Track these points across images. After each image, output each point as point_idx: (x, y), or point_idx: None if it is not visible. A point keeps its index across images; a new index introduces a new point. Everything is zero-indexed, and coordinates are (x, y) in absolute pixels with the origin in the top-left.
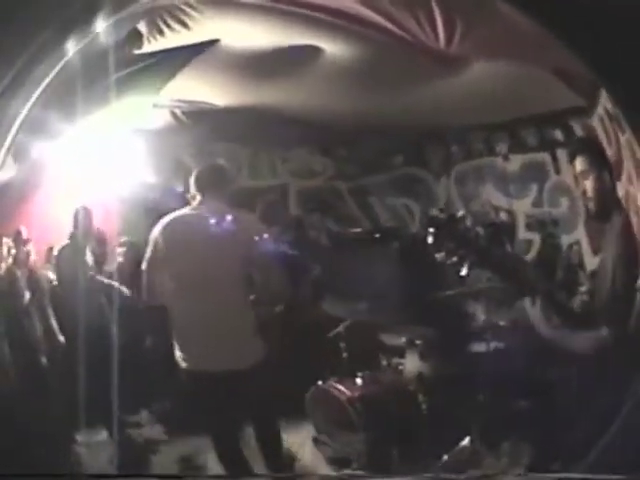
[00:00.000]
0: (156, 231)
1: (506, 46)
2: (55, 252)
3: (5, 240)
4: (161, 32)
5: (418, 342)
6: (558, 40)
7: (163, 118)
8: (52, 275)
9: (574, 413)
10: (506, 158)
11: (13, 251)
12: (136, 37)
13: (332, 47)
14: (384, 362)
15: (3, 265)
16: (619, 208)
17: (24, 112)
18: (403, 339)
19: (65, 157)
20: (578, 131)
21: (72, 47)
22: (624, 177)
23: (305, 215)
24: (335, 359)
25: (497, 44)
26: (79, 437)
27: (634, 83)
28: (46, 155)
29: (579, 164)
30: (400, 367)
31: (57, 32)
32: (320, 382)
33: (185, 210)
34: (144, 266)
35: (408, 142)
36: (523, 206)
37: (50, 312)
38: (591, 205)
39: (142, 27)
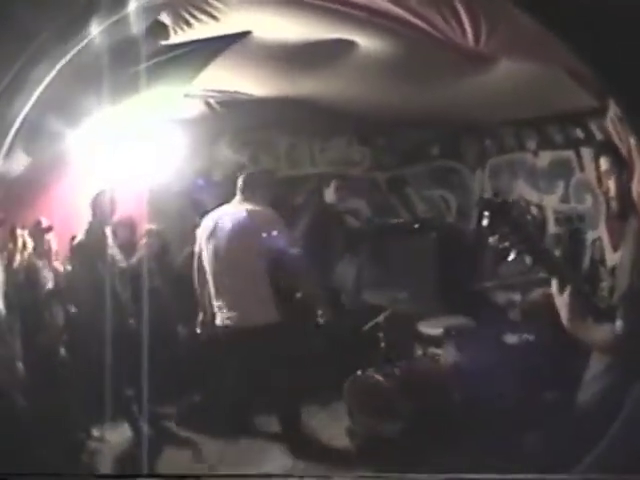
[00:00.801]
0: (206, 225)
1: (526, 46)
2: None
3: (20, 232)
4: (188, 23)
5: (454, 333)
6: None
7: (197, 107)
8: (71, 265)
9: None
10: (536, 154)
11: (31, 242)
12: (160, 28)
13: (364, 41)
14: (420, 352)
15: (18, 257)
16: (634, 208)
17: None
18: (440, 330)
19: (90, 146)
20: (596, 131)
21: (96, 32)
22: (635, 179)
23: (343, 205)
24: (374, 349)
25: (518, 44)
26: (98, 432)
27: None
28: (70, 144)
29: (603, 163)
30: (437, 357)
31: (79, 17)
32: (359, 372)
33: (228, 207)
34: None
35: (444, 134)
36: (552, 201)
37: (70, 304)
38: (613, 204)
39: (165, 18)
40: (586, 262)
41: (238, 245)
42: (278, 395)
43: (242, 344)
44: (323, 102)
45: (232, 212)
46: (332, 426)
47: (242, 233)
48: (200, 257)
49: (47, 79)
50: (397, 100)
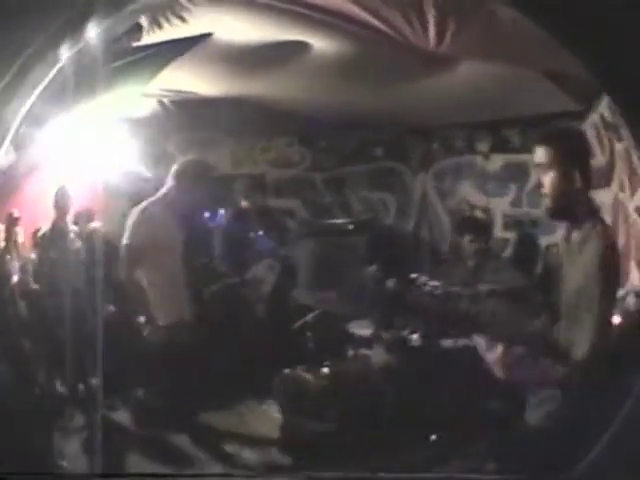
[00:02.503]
0: (133, 217)
1: (497, 47)
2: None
3: None
4: (160, 26)
5: (385, 335)
6: (563, 46)
7: (151, 106)
8: (36, 256)
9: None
10: (487, 157)
11: (3, 234)
12: (136, 30)
13: (319, 43)
14: (351, 352)
15: None
16: (593, 215)
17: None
18: (370, 331)
19: (58, 144)
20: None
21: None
22: (615, 184)
23: (279, 204)
24: (302, 348)
25: (488, 45)
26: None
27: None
28: (40, 143)
29: (539, 155)
30: (367, 358)
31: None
32: (287, 370)
33: (158, 198)
34: (122, 251)
35: (389, 136)
36: (501, 205)
37: (34, 294)
38: (547, 201)
39: (144, 21)
40: (539, 269)
41: (160, 239)
42: (213, 391)
43: (173, 342)
44: (271, 103)
45: (161, 203)
46: (266, 422)
47: (165, 226)
48: (130, 250)
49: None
50: (344, 102)
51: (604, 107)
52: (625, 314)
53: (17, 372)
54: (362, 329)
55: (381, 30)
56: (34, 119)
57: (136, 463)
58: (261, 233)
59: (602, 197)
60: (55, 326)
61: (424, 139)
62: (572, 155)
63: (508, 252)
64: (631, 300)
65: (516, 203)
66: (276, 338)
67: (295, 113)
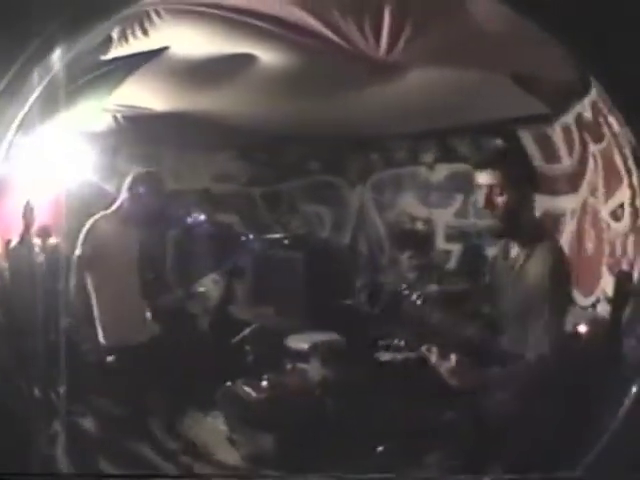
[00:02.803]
0: (86, 229)
1: (458, 52)
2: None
3: None
4: (127, 39)
5: (321, 348)
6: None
7: (106, 121)
8: (8, 267)
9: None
10: (431, 167)
11: None
12: (107, 44)
13: (265, 55)
14: (289, 366)
15: None
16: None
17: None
18: (306, 345)
19: (27, 158)
20: (526, 140)
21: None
22: (584, 189)
23: (222, 219)
24: (242, 362)
25: (448, 50)
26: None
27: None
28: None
29: (482, 177)
30: (304, 372)
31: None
32: (229, 383)
33: (112, 210)
34: (74, 263)
35: (328, 149)
36: (444, 216)
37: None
38: (491, 222)
39: (115, 34)
40: (485, 280)
41: (110, 251)
42: (160, 402)
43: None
44: (216, 117)
45: (113, 216)
46: (213, 434)
47: (115, 238)
48: (82, 265)
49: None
50: (287, 115)
51: (584, 106)
52: (594, 322)
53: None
54: (299, 343)
55: (330, 39)
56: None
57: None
58: (206, 248)
59: (565, 204)
60: (24, 335)
61: (363, 151)
62: (516, 175)
63: (451, 264)
64: (602, 307)
65: (461, 214)
66: (218, 352)
67: (238, 127)
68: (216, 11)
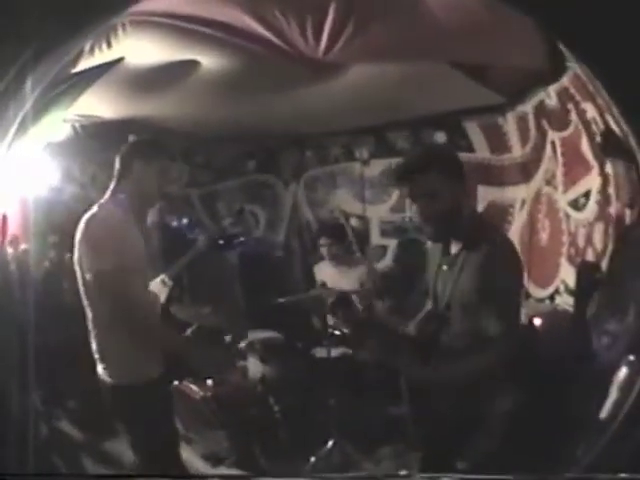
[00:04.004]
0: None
1: (403, 45)
2: None
3: None
4: (93, 52)
5: (258, 346)
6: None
7: (66, 131)
8: None
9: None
10: (366, 163)
11: None
12: (78, 57)
13: (209, 60)
14: (230, 364)
15: None
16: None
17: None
18: (244, 343)
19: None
20: (472, 130)
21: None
22: (538, 178)
23: (167, 221)
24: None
25: (392, 44)
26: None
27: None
28: None
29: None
30: (244, 369)
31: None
32: (176, 382)
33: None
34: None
35: (263, 149)
36: (379, 212)
37: None
38: (426, 228)
39: (86, 47)
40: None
41: None
42: None
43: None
44: (159, 122)
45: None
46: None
47: None
48: None
49: None
50: (224, 117)
51: (549, 94)
52: (552, 314)
53: None
54: (238, 341)
55: (272, 42)
56: None
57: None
58: (157, 249)
59: (515, 194)
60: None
61: (297, 149)
62: (448, 178)
63: (387, 259)
64: (562, 299)
65: (397, 209)
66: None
67: (178, 130)
68: (170, 20)
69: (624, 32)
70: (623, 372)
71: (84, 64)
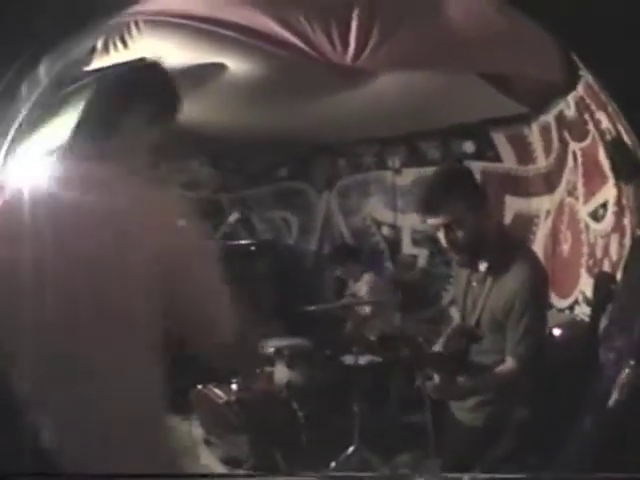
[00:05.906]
0: None
1: (429, 54)
2: None
3: None
4: (107, 50)
5: (286, 352)
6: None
7: None
8: None
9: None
10: (398, 172)
11: None
12: (91, 55)
13: (235, 64)
14: (257, 370)
15: None
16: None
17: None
18: (272, 349)
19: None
20: (499, 141)
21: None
22: (561, 189)
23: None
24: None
25: (416, 54)
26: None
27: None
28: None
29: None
30: (270, 375)
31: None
32: (200, 386)
33: None
34: None
35: (295, 156)
36: (410, 221)
37: None
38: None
39: (99, 45)
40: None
41: None
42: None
43: None
44: (188, 126)
45: None
46: (191, 436)
47: None
48: None
49: None
50: (255, 123)
51: (568, 104)
52: (571, 325)
53: None
54: (266, 347)
55: (299, 48)
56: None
57: None
58: None
59: (540, 205)
60: None
61: (330, 157)
62: (471, 202)
63: (417, 268)
64: (580, 310)
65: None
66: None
67: (206, 135)
68: (189, 22)
69: (628, 41)
70: (624, 374)
71: (98, 62)
